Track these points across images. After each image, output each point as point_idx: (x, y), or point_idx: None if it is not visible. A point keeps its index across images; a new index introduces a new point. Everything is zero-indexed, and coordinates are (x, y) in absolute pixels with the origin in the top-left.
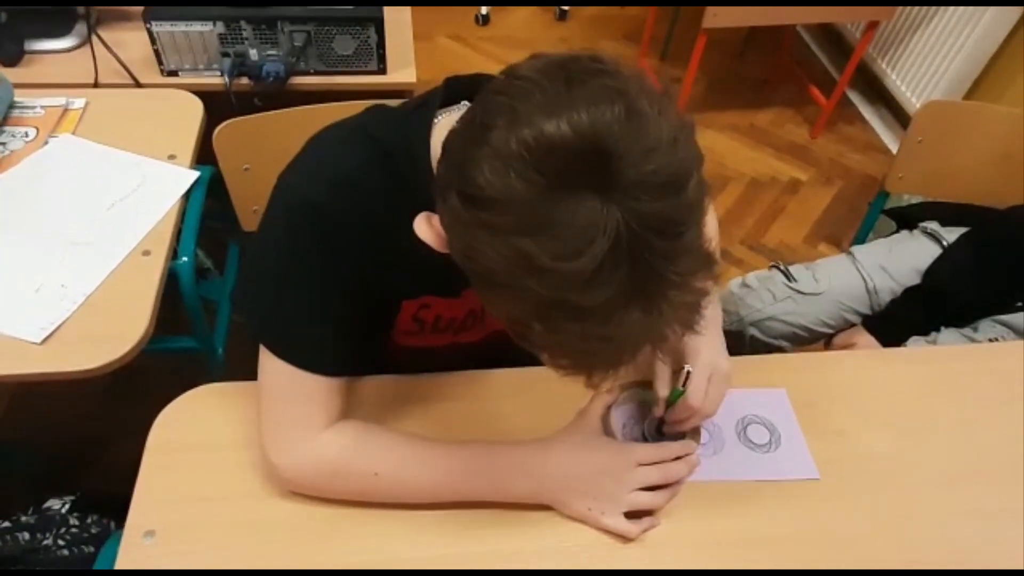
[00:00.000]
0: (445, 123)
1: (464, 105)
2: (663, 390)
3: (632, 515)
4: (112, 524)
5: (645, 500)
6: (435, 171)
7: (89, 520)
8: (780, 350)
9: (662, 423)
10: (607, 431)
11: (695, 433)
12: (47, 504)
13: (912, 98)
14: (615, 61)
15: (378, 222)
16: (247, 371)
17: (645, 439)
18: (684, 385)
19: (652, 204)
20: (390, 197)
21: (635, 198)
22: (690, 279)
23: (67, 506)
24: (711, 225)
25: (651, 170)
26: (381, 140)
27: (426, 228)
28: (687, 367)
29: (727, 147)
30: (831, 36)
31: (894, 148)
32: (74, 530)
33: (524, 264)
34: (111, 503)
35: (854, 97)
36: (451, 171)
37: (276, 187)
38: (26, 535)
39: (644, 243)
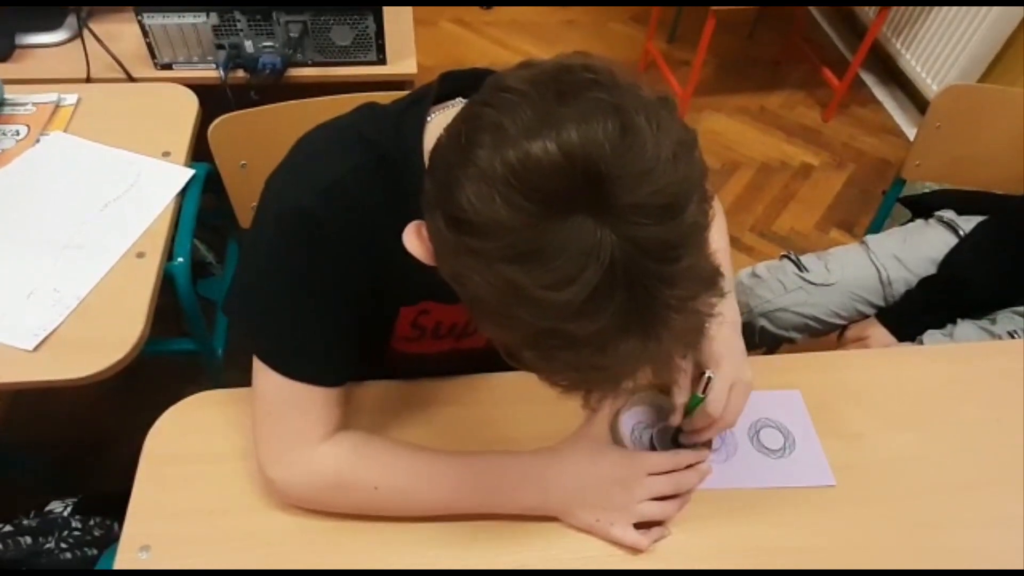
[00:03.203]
0: (438, 122)
1: (459, 102)
2: (681, 397)
3: (641, 526)
4: (115, 525)
5: (655, 510)
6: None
7: (92, 522)
8: (791, 341)
9: (678, 432)
10: (615, 437)
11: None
12: (49, 507)
13: (927, 79)
14: (610, 70)
15: (372, 227)
16: (249, 371)
17: (654, 447)
18: (704, 392)
19: (649, 228)
20: (383, 201)
21: (631, 222)
22: (691, 303)
23: (69, 508)
24: (718, 231)
25: (648, 192)
26: (373, 141)
27: (415, 240)
28: (708, 373)
29: (736, 131)
30: (844, 16)
31: (908, 131)
32: (76, 533)
33: (512, 293)
34: (113, 503)
35: (867, 78)
36: (437, 189)
37: (265, 192)
38: (28, 539)
39: (640, 269)
